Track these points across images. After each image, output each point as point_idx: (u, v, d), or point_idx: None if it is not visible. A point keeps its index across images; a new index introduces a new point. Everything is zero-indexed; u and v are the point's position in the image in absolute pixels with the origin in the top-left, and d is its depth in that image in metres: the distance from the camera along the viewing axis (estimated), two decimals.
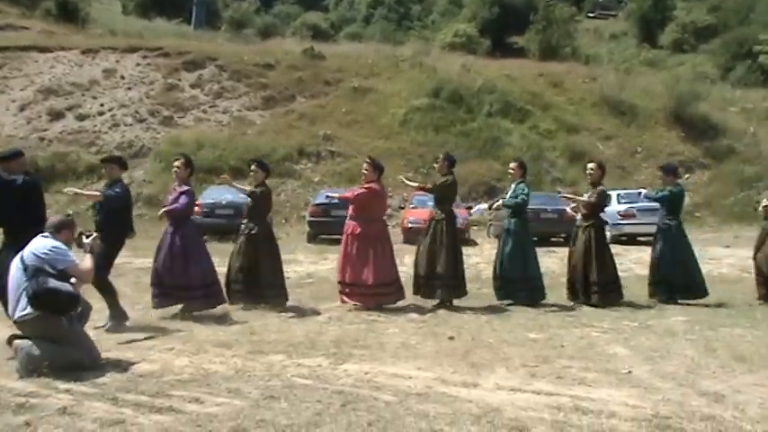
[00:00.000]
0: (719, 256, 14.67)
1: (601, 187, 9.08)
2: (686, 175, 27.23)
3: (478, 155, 25.03)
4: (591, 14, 58.79)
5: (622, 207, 18.10)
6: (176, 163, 7.98)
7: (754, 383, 4.98)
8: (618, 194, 18.59)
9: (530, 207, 9.27)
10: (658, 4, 50.47)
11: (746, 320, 7.68)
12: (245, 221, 8.51)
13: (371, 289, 8.20)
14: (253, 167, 8.71)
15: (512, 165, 9.26)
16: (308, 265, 12.80)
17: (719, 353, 6.00)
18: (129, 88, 27.51)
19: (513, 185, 9.08)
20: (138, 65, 28.87)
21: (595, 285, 8.72)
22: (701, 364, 5.57)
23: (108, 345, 5.93)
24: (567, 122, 28.68)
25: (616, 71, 33.99)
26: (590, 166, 9.31)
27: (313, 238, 17.53)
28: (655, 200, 9.43)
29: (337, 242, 13.99)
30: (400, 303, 8.50)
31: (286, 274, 11.53)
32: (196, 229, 8.11)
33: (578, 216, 9.36)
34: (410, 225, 16.76)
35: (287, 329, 7.03)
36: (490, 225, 20.23)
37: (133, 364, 5.47)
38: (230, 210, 16.66)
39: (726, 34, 43.24)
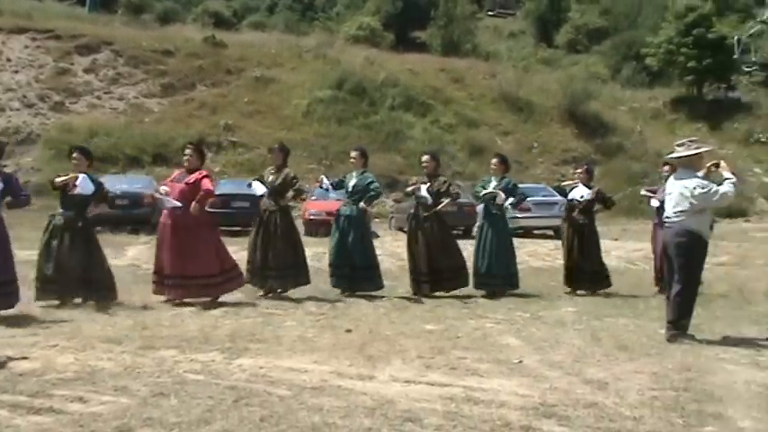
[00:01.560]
0: (608, 248, 15.27)
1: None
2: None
3: (380, 148, 25.21)
4: (491, 12, 59.99)
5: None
6: None
7: (635, 371, 5.22)
8: None
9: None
10: (554, 5, 52.19)
11: (630, 311, 8.04)
12: (60, 211, 7.68)
13: (194, 280, 7.81)
14: (75, 155, 7.83)
15: (353, 153, 9.15)
16: None
17: (604, 342, 6.25)
18: (17, 71, 26.13)
19: (354, 174, 8.94)
20: (26, 47, 27.45)
21: (446, 272, 8.79)
22: (587, 353, 5.78)
23: None
24: (468, 117, 29.35)
25: (514, 68, 35.03)
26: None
27: None
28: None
29: (240, 234, 13.87)
30: (296, 294, 8.47)
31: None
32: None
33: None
34: (311, 217, 17.49)
35: (180, 324, 6.83)
36: (392, 217, 20.46)
37: (12, 361, 5.17)
38: (126, 200, 16.62)
39: (615, 37, 45.21)
